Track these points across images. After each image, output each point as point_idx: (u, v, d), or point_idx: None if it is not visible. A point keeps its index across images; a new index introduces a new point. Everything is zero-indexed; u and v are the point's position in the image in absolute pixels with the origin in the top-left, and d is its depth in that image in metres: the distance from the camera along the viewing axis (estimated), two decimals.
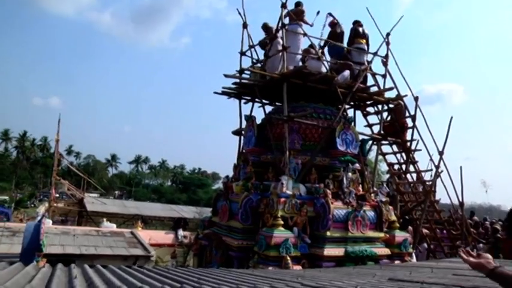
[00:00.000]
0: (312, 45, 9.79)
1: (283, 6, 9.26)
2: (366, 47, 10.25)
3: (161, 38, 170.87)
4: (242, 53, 10.48)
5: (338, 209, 7.87)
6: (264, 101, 10.49)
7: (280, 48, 9.12)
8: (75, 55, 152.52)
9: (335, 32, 10.09)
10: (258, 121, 9.71)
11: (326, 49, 10.33)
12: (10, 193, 51.63)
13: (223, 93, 10.21)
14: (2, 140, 77.28)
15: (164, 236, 21.06)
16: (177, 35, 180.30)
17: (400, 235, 8.64)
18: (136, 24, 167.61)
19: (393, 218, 8.81)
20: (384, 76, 10.37)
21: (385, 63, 10.41)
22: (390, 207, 8.91)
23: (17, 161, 75.92)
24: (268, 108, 10.51)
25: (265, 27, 10.07)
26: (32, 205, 51.41)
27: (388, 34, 10.41)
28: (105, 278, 3.76)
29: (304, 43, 9.77)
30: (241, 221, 7.89)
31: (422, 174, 11.12)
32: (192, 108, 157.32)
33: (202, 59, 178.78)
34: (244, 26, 10.41)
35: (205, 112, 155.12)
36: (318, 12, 10.15)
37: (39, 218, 15.91)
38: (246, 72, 10.24)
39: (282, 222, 7.30)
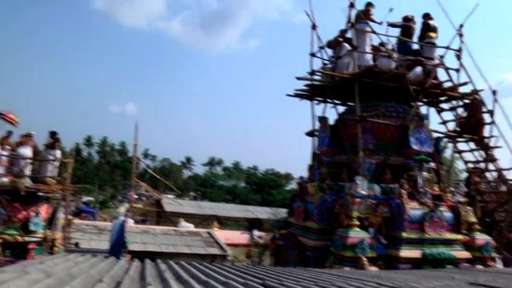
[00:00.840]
0: (382, 43, 9.81)
1: (351, 6, 9.39)
2: (436, 41, 10.03)
3: (230, 42, 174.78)
4: (312, 55, 10.71)
5: (414, 209, 7.86)
6: (336, 101, 10.66)
7: (349, 48, 9.27)
8: (149, 63, 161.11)
9: (407, 28, 10.00)
10: (331, 122, 9.92)
11: (396, 46, 10.26)
12: (94, 194, 55.59)
13: (295, 95, 10.52)
14: (85, 146, 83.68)
15: (240, 236, 21.80)
16: (246, 38, 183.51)
17: (481, 238, 8.40)
18: (205, 31, 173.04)
19: (472, 219, 8.59)
20: (457, 70, 10.07)
21: (458, 57, 10.10)
22: (469, 208, 8.72)
23: (99, 165, 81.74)
24: (341, 109, 10.65)
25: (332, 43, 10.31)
26: (113, 205, 55.11)
27: (461, 26, 10.08)
28: (191, 273, 4.23)
29: (372, 41, 9.80)
30: (316, 222, 8.16)
31: (504, 172, 10.66)
32: (264, 110, 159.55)
33: (272, 61, 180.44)
34: (313, 27, 10.63)
35: (276, 113, 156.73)
36: (391, 10, 10.12)
37: (122, 217, 17.21)
38: (317, 73, 10.47)
39: (357, 223, 7.47)
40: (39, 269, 4.60)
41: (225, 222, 30.79)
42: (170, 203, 30.77)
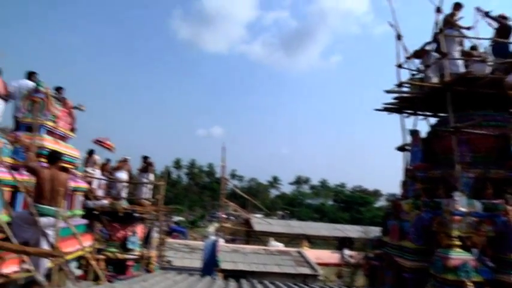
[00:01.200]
0: (473, 47, 9.23)
1: (438, 11, 8.97)
2: None
3: (311, 60, 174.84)
4: (399, 66, 10.35)
5: None
6: (427, 113, 10.18)
7: (438, 56, 8.83)
8: (232, 87, 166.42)
9: (504, 27, 9.30)
10: (423, 135, 9.46)
11: (490, 48, 9.57)
12: (184, 214, 57.91)
13: (384, 109, 10.21)
14: (175, 168, 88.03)
15: (330, 256, 21.39)
16: (327, 55, 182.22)
17: None
18: (285, 51, 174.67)
19: None
20: None
21: None
22: None
23: (188, 186, 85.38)
24: (433, 120, 10.14)
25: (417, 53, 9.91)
26: (203, 225, 56.89)
27: None
28: None
29: (463, 46, 9.26)
30: (413, 241, 7.74)
31: None
32: (349, 126, 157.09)
33: (355, 76, 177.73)
34: (398, 37, 10.28)
35: (363, 129, 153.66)
36: (487, 13, 9.48)
37: (213, 237, 17.66)
38: (405, 84, 10.08)
39: (459, 243, 6.97)
40: (144, 286, 4.86)
41: (315, 241, 30.45)
42: (259, 222, 31.09)
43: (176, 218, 43.87)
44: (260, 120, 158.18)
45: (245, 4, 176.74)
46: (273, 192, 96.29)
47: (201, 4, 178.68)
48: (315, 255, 20.37)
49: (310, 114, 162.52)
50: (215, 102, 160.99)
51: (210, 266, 12.45)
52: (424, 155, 8.88)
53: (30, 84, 8.20)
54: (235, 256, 18.99)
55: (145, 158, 13.96)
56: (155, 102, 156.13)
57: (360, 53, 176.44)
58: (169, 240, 20.26)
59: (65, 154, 7.68)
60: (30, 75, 8.63)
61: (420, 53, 9.91)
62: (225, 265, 16.08)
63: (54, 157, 6.34)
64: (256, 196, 63.63)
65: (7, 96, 8.23)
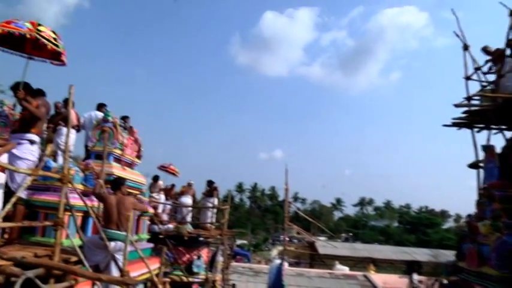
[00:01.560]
0: None
1: None
2: None
3: (370, 78, 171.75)
4: (467, 78, 9.78)
5: None
6: (501, 126, 9.48)
7: None
8: (293, 109, 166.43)
9: None
10: (498, 150, 8.79)
11: None
12: (247, 238, 57.87)
13: (453, 124, 9.63)
14: (237, 192, 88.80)
15: (397, 280, 20.29)
16: (386, 72, 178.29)
17: None
18: (344, 70, 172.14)
19: None
20: None
21: None
22: None
23: (250, 209, 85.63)
24: (509, 134, 9.41)
25: (485, 50, 9.26)
26: (266, 248, 56.48)
27: None
28: None
29: None
30: (496, 268, 7.07)
31: None
32: (412, 144, 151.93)
33: (417, 91, 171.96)
34: (465, 48, 9.74)
35: (427, 146, 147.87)
36: None
37: (277, 260, 17.36)
38: (475, 97, 9.48)
39: None
40: None
41: (381, 265, 29.21)
42: (324, 245, 30.36)
43: (239, 242, 43.91)
44: (321, 141, 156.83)
45: (302, 27, 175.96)
46: (336, 215, 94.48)
47: (258, 29, 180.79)
48: (382, 279, 19.46)
49: (372, 134, 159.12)
50: (276, 126, 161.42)
51: None
52: (501, 172, 8.22)
53: (100, 114, 8.55)
54: (299, 280, 18.56)
55: (210, 182, 14.07)
56: (218, 128, 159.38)
57: (421, 68, 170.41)
58: (233, 263, 20.18)
59: (130, 180, 7.85)
60: (100, 107, 9.03)
61: (496, 56, 9.20)
62: None
63: (117, 183, 6.54)
64: (319, 218, 62.42)
65: (78, 127, 8.63)
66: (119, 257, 5.97)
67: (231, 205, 13.35)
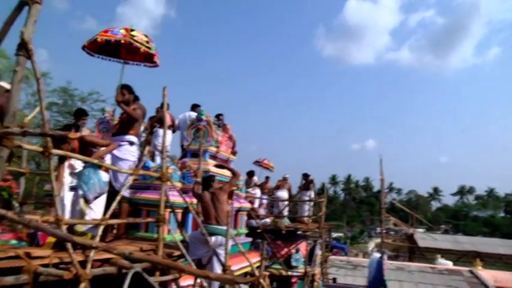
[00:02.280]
0: None
1: None
2: None
3: (464, 57, 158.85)
4: None
5: None
6: None
7: None
8: (383, 97, 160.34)
9: None
10: None
11: None
12: (343, 230, 56.65)
13: None
14: (331, 184, 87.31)
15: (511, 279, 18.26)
16: (483, 48, 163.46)
17: None
18: (435, 51, 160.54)
19: None
20: None
21: None
22: None
23: (345, 201, 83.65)
24: None
25: None
26: (362, 241, 54.90)
27: None
28: None
29: None
30: None
31: None
32: None
33: None
34: None
35: None
36: None
37: (377, 254, 16.56)
38: None
39: None
40: None
41: (487, 260, 26.65)
42: (423, 237, 28.54)
43: (335, 234, 43.06)
44: (414, 128, 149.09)
45: (386, 10, 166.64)
46: (434, 205, 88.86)
47: (342, 18, 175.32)
48: (491, 276, 17.60)
49: (469, 117, 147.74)
50: (367, 115, 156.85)
51: (377, 285, 11.53)
52: None
53: (193, 114, 8.65)
54: (399, 274, 17.54)
55: (305, 175, 13.79)
56: (310, 121, 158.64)
57: None
58: (331, 257, 19.67)
59: (226, 176, 7.81)
60: (194, 107, 9.15)
61: None
62: (389, 284, 14.88)
63: (208, 181, 6.52)
64: (416, 209, 59.31)
65: (174, 128, 8.81)
66: (221, 251, 5.96)
67: (326, 198, 12.91)
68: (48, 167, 3.50)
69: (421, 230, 39.67)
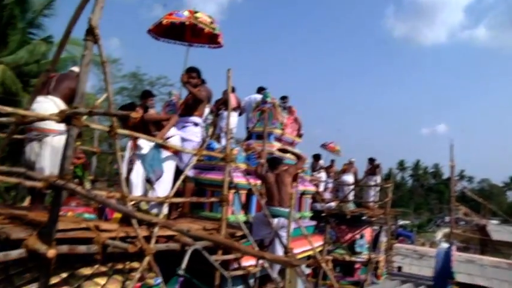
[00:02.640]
0: None
1: None
2: None
3: None
4: None
5: None
6: None
7: None
8: (456, 79, 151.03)
9: None
10: None
11: None
12: (410, 218, 54.61)
13: None
14: (398, 170, 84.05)
15: None
16: None
17: None
18: None
19: None
20: None
21: None
22: None
23: (413, 188, 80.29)
24: None
25: None
26: (430, 230, 52.66)
27: None
28: None
29: None
30: None
31: None
32: None
33: None
34: None
35: None
36: None
37: (445, 244, 15.74)
38: None
39: None
40: None
41: None
42: (498, 230, 26.64)
43: (401, 222, 41.57)
44: (490, 113, 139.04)
45: None
46: (510, 195, 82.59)
47: None
48: None
49: None
50: (438, 98, 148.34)
51: (444, 277, 10.94)
52: None
53: (259, 97, 8.57)
54: (470, 267, 16.49)
55: (372, 160, 13.38)
56: (377, 104, 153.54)
57: None
58: (396, 244, 18.98)
59: (291, 159, 7.67)
60: (259, 90, 9.07)
61: None
62: (458, 277, 14.07)
63: (274, 163, 6.43)
64: (489, 199, 55.65)
65: (240, 110, 8.80)
66: (283, 233, 5.86)
67: (393, 184, 12.39)
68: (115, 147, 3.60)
69: (494, 221, 37.24)
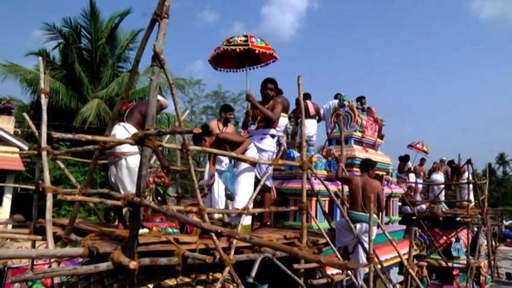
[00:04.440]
0: None
1: None
2: None
3: None
4: None
5: None
6: None
7: None
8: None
9: None
10: None
11: None
12: None
13: None
14: (498, 164, 76.56)
15: None
16: None
17: None
18: None
19: None
20: None
21: None
22: None
23: None
24: None
25: None
26: None
27: None
28: None
29: None
30: None
31: None
32: None
33: None
34: None
35: None
36: None
37: None
38: None
39: None
40: None
41: None
42: None
43: (507, 222, 37.79)
44: None
45: None
46: None
47: None
48: None
49: None
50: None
51: None
52: None
53: (336, 102, 8.40)
54: None
55: (450, 162, 12.47)
56: (466, 97, 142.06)
57: None
58: (502, 247, 17.27)
59: (376, 162, 7.36)
60: (336, 96, 8.89)
61: None
62: None
63: (366, 165, 6.18)
64: None
65: (319, 117, 8.67)
66: (366, 239, 5.62)
67: (493, 180, 11.26)
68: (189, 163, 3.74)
69: None
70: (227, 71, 6.76)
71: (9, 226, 12.75)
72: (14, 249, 6.51)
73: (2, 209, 14.29)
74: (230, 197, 4.99)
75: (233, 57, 6.35)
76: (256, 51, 5.95)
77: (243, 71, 6.51)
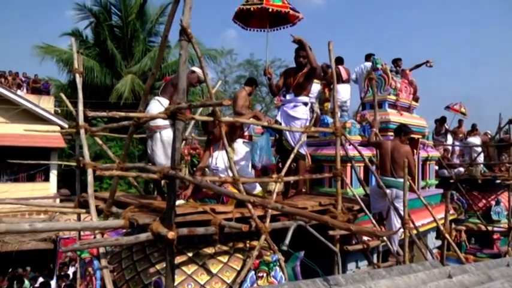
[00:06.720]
0: None
1: None
2: None
3: None
4: None
5: None
6: None
7: None
8: None
9: None
10: None
11: None
12: None
13: None
14: None
15: None
16: None
17: None
18: None
19: None
20: None
21: None
22: None
23: None
24: None
25: None
26: None
27: None
28: None
29: None
30: None
31: None
32: None
33: None
34: None
35: None
36: None
37: None
38: None
39: None
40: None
41: None
42: None
43: None
44: None
45: None
46: None
47: None
48: None
49: None
50: None
51: None
52: None
53: (368, 65, 8.11)
54: None
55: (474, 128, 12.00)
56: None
57: None
58: None
59: (409, 124, 7.14)
60: (367, 57, 8.56)
61: None
62: None
63: (399, 130, 5.97)
64: None
65: (349, 81, 8.41)
66: (398, 205, 5.49)
67: None
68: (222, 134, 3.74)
69: None
70: (257, 31, 6.69)
71: (57, 200, 13.40)
72: (62, 222, 6.81)
73: (50, 184, 14.99)
74: (254, 166, 4.98)
75: (263, 17, 6.24)
76: (270, 10, 5.82)
77: (274, 30, 6.45)
